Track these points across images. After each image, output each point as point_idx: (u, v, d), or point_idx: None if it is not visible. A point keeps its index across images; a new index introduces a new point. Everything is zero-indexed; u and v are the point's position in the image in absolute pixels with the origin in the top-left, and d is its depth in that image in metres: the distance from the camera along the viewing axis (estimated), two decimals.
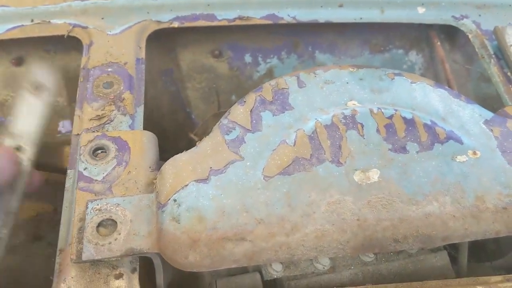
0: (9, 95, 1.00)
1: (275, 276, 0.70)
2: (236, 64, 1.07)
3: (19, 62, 0.98)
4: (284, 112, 0.74)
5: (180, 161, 0.69)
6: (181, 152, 0.71)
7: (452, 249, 0.78)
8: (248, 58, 1.07)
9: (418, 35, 1.08)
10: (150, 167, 0.71)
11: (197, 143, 0.73)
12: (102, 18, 0.90)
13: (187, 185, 0.65)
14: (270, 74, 1.08)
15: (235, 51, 1.06)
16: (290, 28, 1.01)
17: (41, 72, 0.75)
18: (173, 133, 1.05)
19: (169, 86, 1.05)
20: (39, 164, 0.74)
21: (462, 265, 0.76)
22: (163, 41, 1.01)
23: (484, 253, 0.90)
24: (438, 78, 1.09)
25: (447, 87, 0.79)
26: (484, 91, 1.08)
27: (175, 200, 0.64)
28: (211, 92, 1.07)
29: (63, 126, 1.03)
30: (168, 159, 0.77)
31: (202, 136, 0.98)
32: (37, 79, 0.75)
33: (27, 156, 0.69)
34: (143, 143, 0.73)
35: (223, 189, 0.65)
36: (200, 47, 1.05)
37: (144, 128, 1.04)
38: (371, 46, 1.09)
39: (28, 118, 0.73)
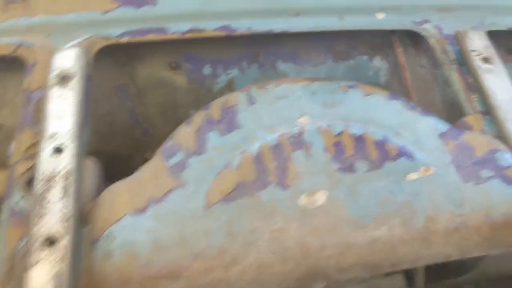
0: None
1: None
2: (194, 76, 1.03)
3: None
4: (231, 132, 0.71)
5: (117, 190, 0.66)
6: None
7: (409, 270, 0.75)
8: (207, 70, 1.03)
9: (381, 40, 1.04)
10: (87, 198, 0.68)
11: (138, 168, 0.70)
12: (49, 36, 0.86)
13: (122, 217, 0.62)
14: (230, 86, 1.04)
15: (194, 63, 1.02)
16: (250, 37, 0.98)
17: None
18: (129, 151, 1.02)
19: (125, 102, 1.02)
20: None
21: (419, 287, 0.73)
22: (117, 55, 0.98)
23: (447, 270, 0.87)
24: (404, 83, 1.05)
25: (403, 98, 0.75)
26: (451, 96, 1.04)
27: (108, 235, 0.61)
28: (169, 107, 1.03)
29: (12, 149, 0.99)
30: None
31: None
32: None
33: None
34: (83, 171, 0.69)
35: (160, 220, 0.61)
36: (157, 60, 1.01)
37: (97, 149, 1.02)
38: (334, 54, 1.05)
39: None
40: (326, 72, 1.06)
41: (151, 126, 1.04)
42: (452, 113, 1.03)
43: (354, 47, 1.05)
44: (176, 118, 1.05)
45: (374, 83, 1.07)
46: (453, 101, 1.02)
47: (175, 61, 1.01)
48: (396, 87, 1.06)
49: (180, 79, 1.03)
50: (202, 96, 1.04)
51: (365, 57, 1.06)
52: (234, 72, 1.04)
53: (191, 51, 1.01)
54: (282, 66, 1.05)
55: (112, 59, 0.97)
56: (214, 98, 1.04)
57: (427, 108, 1.09)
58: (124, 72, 1.01)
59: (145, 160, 1.03)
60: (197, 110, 1.05)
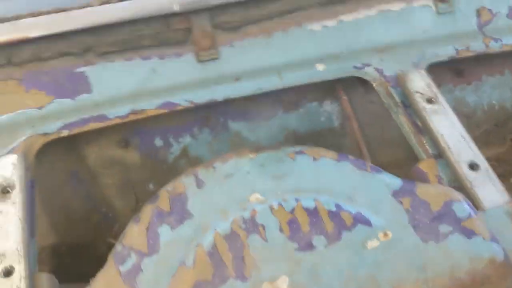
0: None
1: None
2: (146, 150, 1.01)
3: None
4: (183, 223, 0.68)
5: None
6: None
7: None
8: (158, 142, 1.01)
9: (328, 85, 1.04)
10: None
11: (90, 280, 0.67)
12: None
13: None
14: (185, 154, 1.03)
15: (143, 137, 1.00)
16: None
17: None
18: (90, 238, 0.98)
19: (78, 188, 0.99)
20: None
21: None
22: (62, 143, 0.95)
23: None
24: (359, 121, 1.05)
25: (351, 158, 0.74)
26: None
27: None
28: (126, 185, 1.01)
29: None
30: (87, 274, 0.71)
31: None
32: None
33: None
34: None
35: None
36: (104, 140, 0.98)
37: (58, 241, 0.98)
38: (284, 104, 1.04)
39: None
40: (279, 124, 1.05)
41: (110, 209, 1.01)
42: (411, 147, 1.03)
43: (303, 95, 1.05)
44: (133, 197, 1.03)
45: (328, 127, 1.07)
46: None
47: (123, 138, 0.99)
48: (350, 128, 1.06)
49: (131, 155, 1.00)
50: (158, 169, 1.02)
51: (314, 103, 1.06)
52: (186, 140, 1.03)
53: (139, 125, 0.99)
54: (233, 125, 1.04)
55: (57, 149, 0.94)
56: (170, 169, 1.03)
57: (386, 143, 1.09)
58: (73, 158, 0.98)
59: (108, 244, 1.00)
60: (156, 185, 1.03)
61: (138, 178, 1.01)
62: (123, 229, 0.94)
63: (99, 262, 0.78)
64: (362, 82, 1.05)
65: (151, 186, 1.02)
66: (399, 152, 1.08)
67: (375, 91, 1.05)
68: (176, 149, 1.02)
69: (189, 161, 1.03)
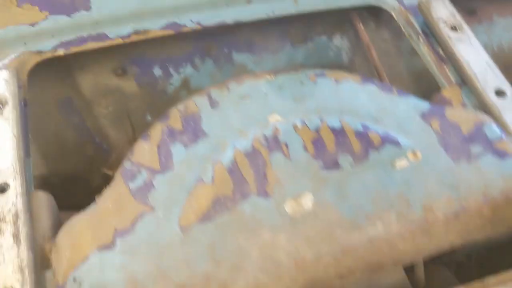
0: None
1: None
2: (145, 79, 0.94)
3: None
4: (197, 142, 0.63)
5: (77, 226, 0.57)
6: (82, 211, 0.60)
7: None
8: (157, 71, 0.95)
9: (339, 17, 0.99)
10: (45, 237, 0.59)
11: (96, 197, 0.61)
12: None
13: (88, 257, 0.54)
14: (186, 85, 0.96)
15: (141, 66, 0.93)
16: (199, 31, 0.89)
17: None
18: (85, 171, 0.92)
19: (71, 117, 0.92)
20: None
21: (419, 279, 0.69)
22: (56, 67, 0.87)
23: None
24: (368, 60, 1.01)
25: (376, 81, 0.70)
26: (418, 66, 1.00)
27: (74, 279, 0.53)
28: (122, 115, 0.94)
29: None
30: (80, 207, 0.65)
31: (117, 169, 0.86)
32: None
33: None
34: (33, 209, 0.60)
35: (132, 254, 0.54)
36: (100, 67, 0.91)
37: (50, 172, 0.92)
38: (292, 38, 0.99)
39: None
40: (286, 59, 1.00)
41: (105, 140, 0.95)
42: (421, 84, 0.99)
43: (311, 28, 0.99)
44: (130, 128, 0.96)
45: (336, 63, 1.02)
46: (420, 72, 0.98)
47: (120, 66, 0.92)
48: (361, 65, 1.01)
49: (129, 85, 0.94)
50: (157, 100, 0.96)
51: (324, 38, 1.01)
52: (187, 70, 0.96)
53: (137, 53, 0.92)
54: (238, 57, 0.98)
55: (49, 72, 0.87)
56: (170, 100, 0.97)
57: (395, 82, 1.06)
58: (66, 84, 0.91)
59: (104, 176, 0.94)
60: (154, 116, 0.97)
61: (135, 108, 0.95)
62: (119, 160, 0.88)
63: (93, 194, 0.72)
64: (373, 17, 1.01)
65: (148, 117, 0.95)
66: (409, 91, 1.05)
67: (387, 28, 1.01)
68: (176, 79, 0.96)
69: (190, 93, 0.97)
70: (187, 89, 0.96)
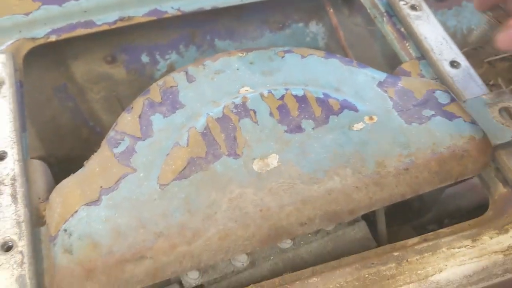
0: None
1: (194, 284, 0.67)
2: (133, 66, 1.01)
3: None
4: (175, 112, 0.70)
5: (67, 186, 0.64)
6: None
7: (373, 216, 0.77)
8: (145, 58, 1.02)
9: (314, 4, 1.06)
10: (39, 198, 0.66)
11: (84, 162, 0.68)
12: None
13: (76, 211, 0.60)
14: (171, 71, 1.03)
15: (130, 53, 1.01)
16: (183, 19, 0.96)
17: None
18: (80, 152, 0.99)
19: (66, 102, 0.99)
20: None
21: (381, 232, 0.75)
22: (50, 56, 0.95)
23: (410, 213, 0.90)
24: (340, 43, 1.07)
25: (338, 56, 0.77)
26: (391, 49, 1.07)
27: (65, 230, 0.59)
28: (113, 100, 1.01)
29: None
30: None
31: None
32: None
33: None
34: (29, 174, 0.67)
35: (116, 208, 0.60)
36: (91, 55, 0.98)
37: (47, 154, 0.99)
38: (270, 25, 1.06)
39: None
40: (265, 44, 1.07)
41: (98, 123, 1.02)
42: (394, 66, 1.06)
43: (289, 16, 1.06)
44: (121, 111, 1.03)
45: (313, 47, 1.08)
46: (393, 54, 1.04)
47: (110, 54, 0.99)
48: (335, 48, 1.08)
49: (118, 71, 1.01)
50: (145, 85, 1.02)
51: (300, 24, 1.07)
52: (173, 57, 1.03)
53: (126, 42, 1.00)
54: (220, 43, 1.05)
55: (45, 61, 0.94)
56: None
57: (369, 63, 1.12)
58: (61, 72, 0.98)
59: None
60: None
61: (125, 93, 1.02)
62: None
63: None
64: (346, 4, 1.07)
65: None
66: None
67: (359, 14, 1.07)
68: (162, 65, 1.03)
69: None
70: None
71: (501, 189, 0.68)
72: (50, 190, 0.68)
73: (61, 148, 0.99)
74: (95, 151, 1.01)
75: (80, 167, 0.79)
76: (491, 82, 1.17)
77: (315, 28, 1.08)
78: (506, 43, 0.63)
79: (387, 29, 0.87)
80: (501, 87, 1.16)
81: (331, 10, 1.01)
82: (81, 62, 0.98)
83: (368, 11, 0.91)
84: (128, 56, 1.00)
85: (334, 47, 1.07)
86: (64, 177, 0.84)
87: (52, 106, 0.98)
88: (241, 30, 1.05)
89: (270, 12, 1.05)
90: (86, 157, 1.01)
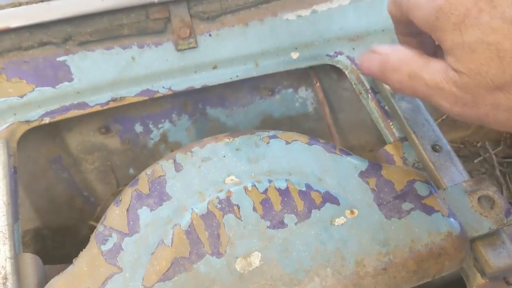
0: None
1: None
2: (127, 136, 1.04)
3: None
4: (162, 205, 0.72)
5: (56, 287, 0.66)
6: (61, 273, 0.69)
7: None
8: (138, 128, 1.04)
9: (303, 72, 1.08)
10: None
11: (73, 260, 0.70)
12: None
13: None
14: (164, 139, 1.06)
15: (124, 124, 1.03)
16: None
17: None
18: (73, 222, 1.02)
19: (61, 173, 1.01)
20: None
21: None
22: (45, 129, 0.97)
23: None
24: (330, 109, 1.09)
25: (322, 141, 0.78)
26: None
27: None
28: (107, 170, 1.04)
29: None
30: (70, 256, 0.74)
31: None
32: None
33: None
34: (20, 269, 0.69)
35: None
36: (86, 127, 1.01)
37: (42, 224, 1.01)
38: (261, 91, 1.08)
39: None
40: (256, 110, 1.09)
41: (92, 193, 1.04)
42: None
43: (279, 82, 1.08)
44: (115, 181, 1.06)
45: (303, 113, 1.11)
46: None
47: (104, 125, 1.02)
48: (323, 113, 1.10)
49: (113, 141, 1.03)
50: (139, 154, 1.05)
51: (290, 90, 1.10)
52: (166, 125, 1.06)
53: (119, 113, 1.02)
54: (211, 111, 1.08)
55: (39, 135, 0.97)
56: (150, 154, 1.06)
57: (358, 128, 1.14)
58: (55, 144, 1.01)
59: (91, 227, 1.04)
60: (136, 169, 1.07)
61: (119, 163, 1.04)
62: (104, 211, 0.98)
63: (81, 244, 0.81)
64: (336, 70, 1.09)
65: (131, 171, 1.05)
66: (369, 136, 1.13)
67: (347, 79, 1.09)
68: (155, 134, 1.06)
69: (168, 146, 1.06)
70: (166, 142, 1.06)
71: (479, 279, 0.70)
72: (41, 283, 0.70)
73: (56, 218, 1.01)
74: (88, 221, 1.05)
75: (73, 238, 0.81)
76: (478, 144, 1.18)
77: (304, 93, 1.10)
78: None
79: (372, 106, 0.89)
80: (488, 150, 1.17)
81: (318, 84, 1.03)
82: (76, 134, 1.01)
83: (354, 86, 0.93)
84: (122, 126, 1.03)
85: (322, 112, 1.09)
86: (58, 250, 0.86)
87: (47, 177, 1.00)
88: (232, 97, 1.07)
89: (261, 79, 1.08)
90: (80, 227, 1.05)
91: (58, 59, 0.89)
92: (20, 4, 0.89)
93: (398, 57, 0.59)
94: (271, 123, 1.10)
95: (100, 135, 1.02)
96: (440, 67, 0.53)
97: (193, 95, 1.05)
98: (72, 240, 1.00)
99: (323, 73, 1.08)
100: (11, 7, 0.89)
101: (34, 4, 0.89)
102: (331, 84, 1.09)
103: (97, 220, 1.01)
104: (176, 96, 1.04)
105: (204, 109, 1.06)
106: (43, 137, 0.98)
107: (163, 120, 1.05)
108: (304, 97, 1.10)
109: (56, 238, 0.99)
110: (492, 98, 0.49)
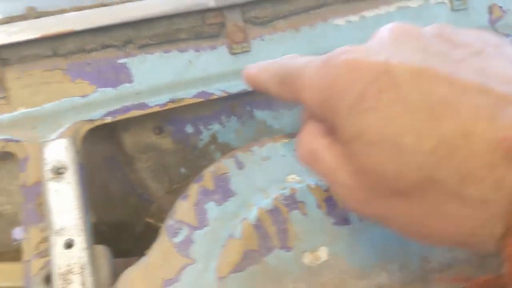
0: None
1: None
2: (178, 136, 1.07)
3: None
4: (227, 201, 0.75)
5: (131, 278, 0.69)
6: (135, 264, 0.72)
7: None
8: (189, 129, 1.08)
9: None
10: (105, 285, 0.71)
11: (146, 252, 0.73)
12: (33, 128, 0.89)
13: None
14: (214, 140, 1.09)
15: (176, 125, 1.07)
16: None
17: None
18: (129, 218, 1.05)
19: (116, 172, 1.05)
20: None
21: None
22: (102, 129, 1.01)
23: None
24: None
25: None
26: None
27: None
28: (159, 169, 1.07)
29: (18, 233, 1.01)
30: (126, 251, 0.77)
31: (157, 217, 0.99)
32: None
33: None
34: (94, 261, 0.73)
35: None
36: (140, 128, 1.05)
37: (98, 220, 1.05)
38: None
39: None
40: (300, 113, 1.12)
41: (145, 191, 1.08)
42: None
43: None
44: (167, 180, 1.09)
45: None
46: None
47: (158, 126, 1.05)
48: None
49: (165, 142, 1.07)
50: (189, 154, 1.09)
51: None
52: (215, 127, 1.09)
53: (172, 115, 1.06)
54: (259, 114, 1.11)
55: (97, 134, 1.01)
56: (200, 154, 1.10)
57: None
58: (111, 143, 1.04)
59: (146, 223, 1.07)
60: (187, 169, 1.10)
61: (171, 162, 1.08)
62: (159, 209, 1.02)
63: (137, 240, 0.85)
64: None
65: (183, 170, 1.08)
66: None
67: None
68: (205, 135, 1.09)
69: (217, 147, 1.09)
70: (215, 143, 1.09)
71: None
72: (112, 274, 0.73)
73: (112, 214, 1.05)
74: (143, 217, 1.08)
75: (129, 234, 0.84)
76: None
77: None
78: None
79: None
80: None
81: None
82: (131, 134, 1.05)
83: None
84: (174, 127, 1.06)
85: None
86: (114, 245, 0.89)
87: (103, 175, 1.04)
88: (278, 101, 1.10)
89: None
90: (135, 223, 1.08)
91: (119, 61, 0.93)
92: (83, 8, 0.93)
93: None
94: None
95: (153, 136, 1.05)
96: (340, 154, 0.43)
97: (242, 98, 1.08)
98: (127, 235, 1.03)
99: None
100: (75, 10, 0.93)
101: (96, 8, 0.93)
102: None
103: (153, 217, 1.05)
104: (225, 99, 1.07)
105: (252, 112, 1.10)
106: (100, 137, 1.02)
107: (212, 122, 1.09)
108: None
109: (112, 233, 1.02)
110: (387, 203, 0.41)
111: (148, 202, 1.07)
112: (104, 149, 1.04)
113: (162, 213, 1.06)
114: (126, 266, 0.74)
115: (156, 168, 1.07)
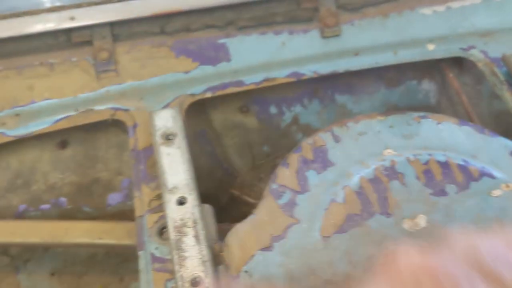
0: (58, 177, 1.06)
1: None
2: (263, 116, 1.13)
3: (63, 145, 1.05)
4: (326, 169, 0.80)
5: (242, 232, 0.75)
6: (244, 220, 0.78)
7: None
8: (273, 109, 1.14)
9: (428, 64, 1.14)
10: (213, 240, 0.77)
11: (253, 211, 0.79)
12: (141, 99, 0.96)
13: (254, 256, 0.71)
14: (296, 122, 1.15)
15: (261, 105, 1.13)
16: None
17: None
18: (215, 190, 1.11)
19: (205, 146, 1.12)
20: None
21: None
22: (195, 106, 1.08)
23: None
24: (452, 102, 1.15)
25: (470, 123, 0.85)
26: (497, 108, 1.14)
27: (246, 271, 0.70)
28: (244, 146, 1.14)
29: (112, 199, 1.09)
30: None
31: (241, 190, 1.05)
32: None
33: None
34: (203, 217, 0.79)
35: (287, 255, 0.71)
36: (229, 106, 1.11)
37: None
38: (386, 81, 1.15)
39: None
40: (381, 99, 1.16)
41: (230, 166, 1.14)
42: (499, 124, 1.13)
43: (404, 74, 1.16)
44: (251, 156, 1.15)
45: (425, 104, 1.18)
46: (499, 112, 1.12)
47: (244, 105, 1.12)
48: (446, 106, 1.16)
49: (250, 120, 1.13)
50: (272, 134, 1.15)
51: (414, 82, 1.16)
52: (297, 109, 1.15)
53: (258, 95, 1.12)
54: (339, 98, 1.16)
55: (191, 108, 1.08)
56: (282, 134, 1.15)
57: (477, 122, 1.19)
58: (202, 119, 1.11)
59: (231, 195, 1.13)
60: (270, 147, 1.16)
61: (255, 140, 1.14)
62: (243, 182, 1.08)
63: (223, 211, 0.91)
64: (457, 64, 1.15)
65: (265, 148, 1.14)
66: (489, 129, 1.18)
67: (468, 74, 1.15)
68: (288, 116, 1.15)
69: (299, 128, 1.15)
70: (297, 125, 1.15)
71: None
72: (217, 230, 0.79)
73: (200, 186, 1.11)
74: (227, 190, 1.14)
75: (214, 205, 0.90)
76: None
77: (427, 86, 1.17)
78: None
79: (508, 96, 0.95)
80: None
81: (452, 75, 1.09)
82: (220, 111, 1.11)
83: (488, 78, 0.99)
84: (259, 107, 1.13)
85: (445, 104, 1.15)
86: None
87: (193, 149, 1.11)
88: (358, 85, 1.15)
89: (387, 70, 1.15)
90: (220, 195, 1.14)
91: (219, 41, 1.00)
92: None
93: None
94: None
95: (240, 114, 1.12)
96: None
97: (324, 81, 1.13)
98: (213, 206, 1.09)
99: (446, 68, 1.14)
100: None
101: None
102: (452, 78, 1.15)
103: (237, 189, 1.11)
104: (308, 82, 1.13)
105: (333, 95, 1.15)
106: (193, 112, 1.09)
107: (295, 104, 1.14)
108: (427, 89, 1.17)
109: (203, 200, 1.09)
110: None
111: (232, 176, 1.13)
112: (195, 124, 1.10)
113: (245, 188, 1.13)
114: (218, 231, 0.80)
115: (241, 145, 1.13)
